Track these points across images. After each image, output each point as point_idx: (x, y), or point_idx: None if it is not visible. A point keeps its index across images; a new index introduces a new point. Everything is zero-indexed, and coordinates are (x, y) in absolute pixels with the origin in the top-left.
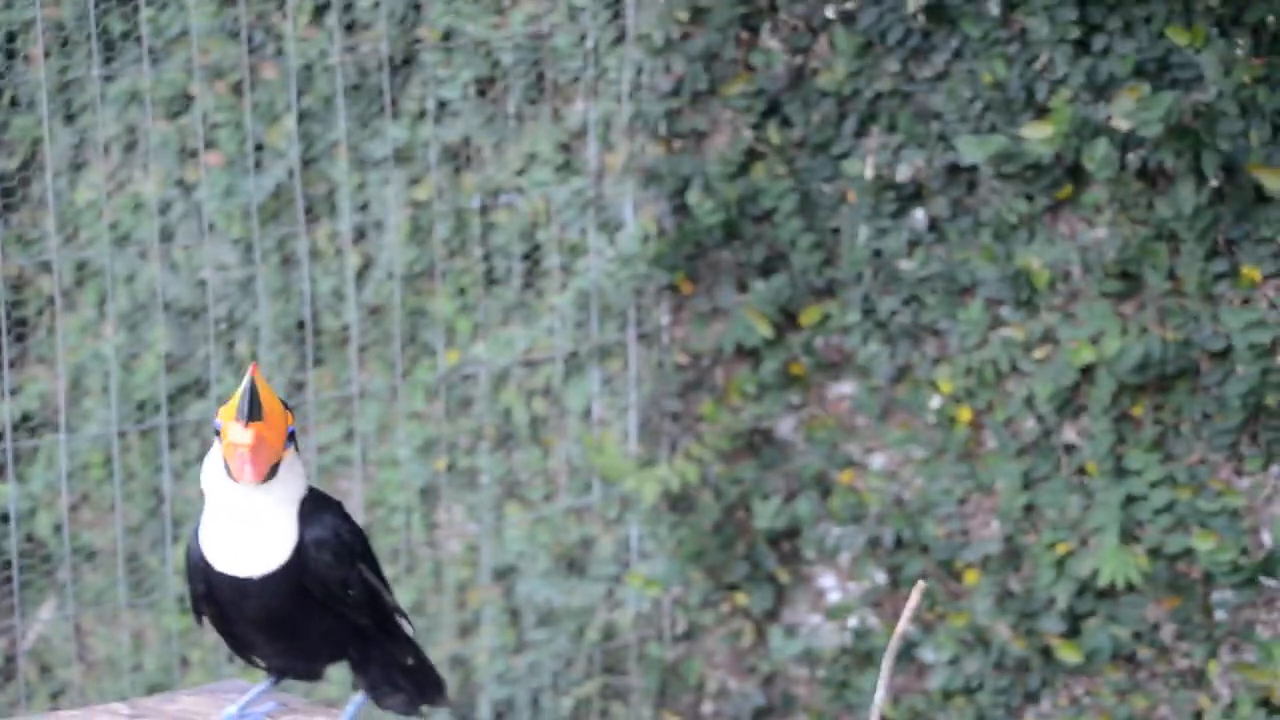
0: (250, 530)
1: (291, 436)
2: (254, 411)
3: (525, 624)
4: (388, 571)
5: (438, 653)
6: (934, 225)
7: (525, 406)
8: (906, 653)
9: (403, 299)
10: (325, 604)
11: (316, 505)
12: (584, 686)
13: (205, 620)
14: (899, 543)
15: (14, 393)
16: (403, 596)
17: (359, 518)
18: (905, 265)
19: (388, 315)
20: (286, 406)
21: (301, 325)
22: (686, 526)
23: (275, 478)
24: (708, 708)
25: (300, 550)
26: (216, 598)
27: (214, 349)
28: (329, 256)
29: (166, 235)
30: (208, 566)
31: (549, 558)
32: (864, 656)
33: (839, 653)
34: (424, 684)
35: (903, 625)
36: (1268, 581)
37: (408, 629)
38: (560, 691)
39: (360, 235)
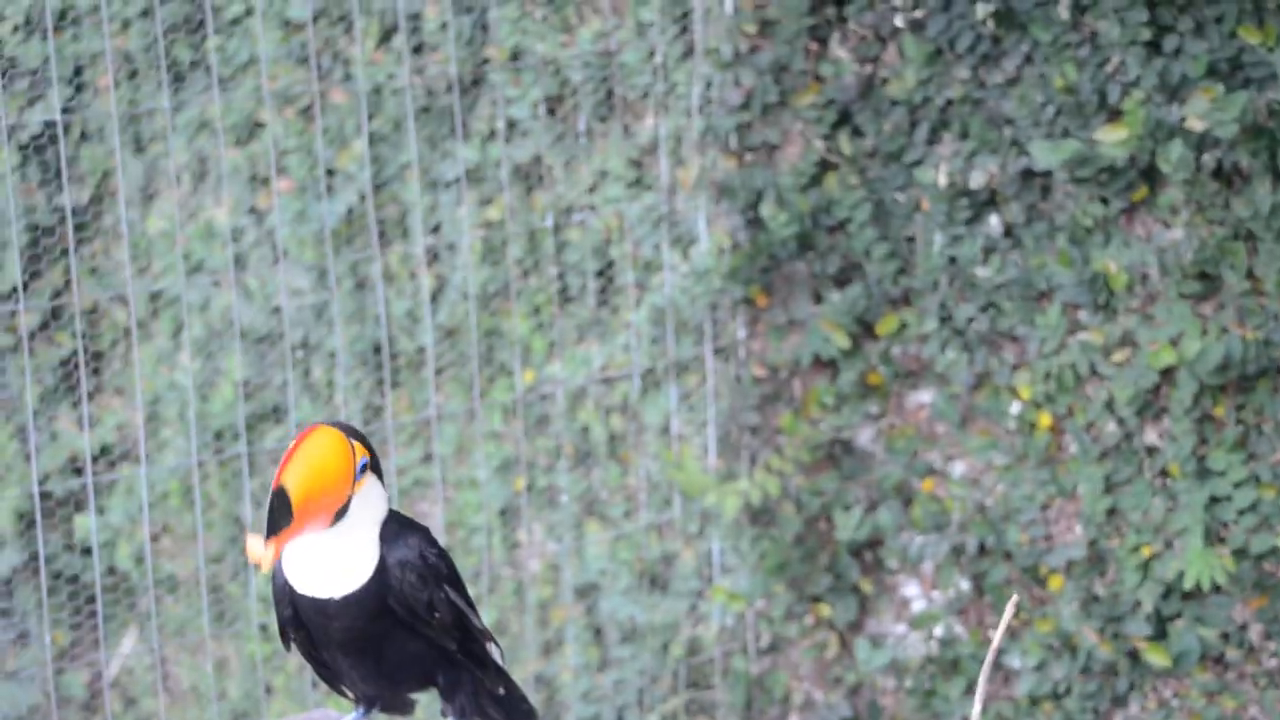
0: (331, 553)
1: (365, 469)
2: (272, 529)
3: (609, 641)
4: (469, 592)
5: (522, 672)
6: (1009, 231)
7: (603, 424)
8: (996, 660)
9: (478, 320)
10: (410, 626)
11: (401, 528)
12: (669, 703)
13: (294, 646)
14: (982, 550)
15: (92, 425)
16: (485, 617)
17: (439, 539)
18: (981, 272)
19: (463, 336)
20: (358, 437)
21: (378, 349)
22: (768, 539)
23: (349, 512)
24: None
25: (382, 571)
26: (303, 622)
27: (291, 375)
28: (403, 279)
29: (240, 263)
30: (292, 590)
31: (631, 574)
32: (950, 665)
33: (925, 662)
34: (514, 713)
35: (996, 643)
36: None
37: (496, 655)
38: (645, 708)
39: (434, 257)
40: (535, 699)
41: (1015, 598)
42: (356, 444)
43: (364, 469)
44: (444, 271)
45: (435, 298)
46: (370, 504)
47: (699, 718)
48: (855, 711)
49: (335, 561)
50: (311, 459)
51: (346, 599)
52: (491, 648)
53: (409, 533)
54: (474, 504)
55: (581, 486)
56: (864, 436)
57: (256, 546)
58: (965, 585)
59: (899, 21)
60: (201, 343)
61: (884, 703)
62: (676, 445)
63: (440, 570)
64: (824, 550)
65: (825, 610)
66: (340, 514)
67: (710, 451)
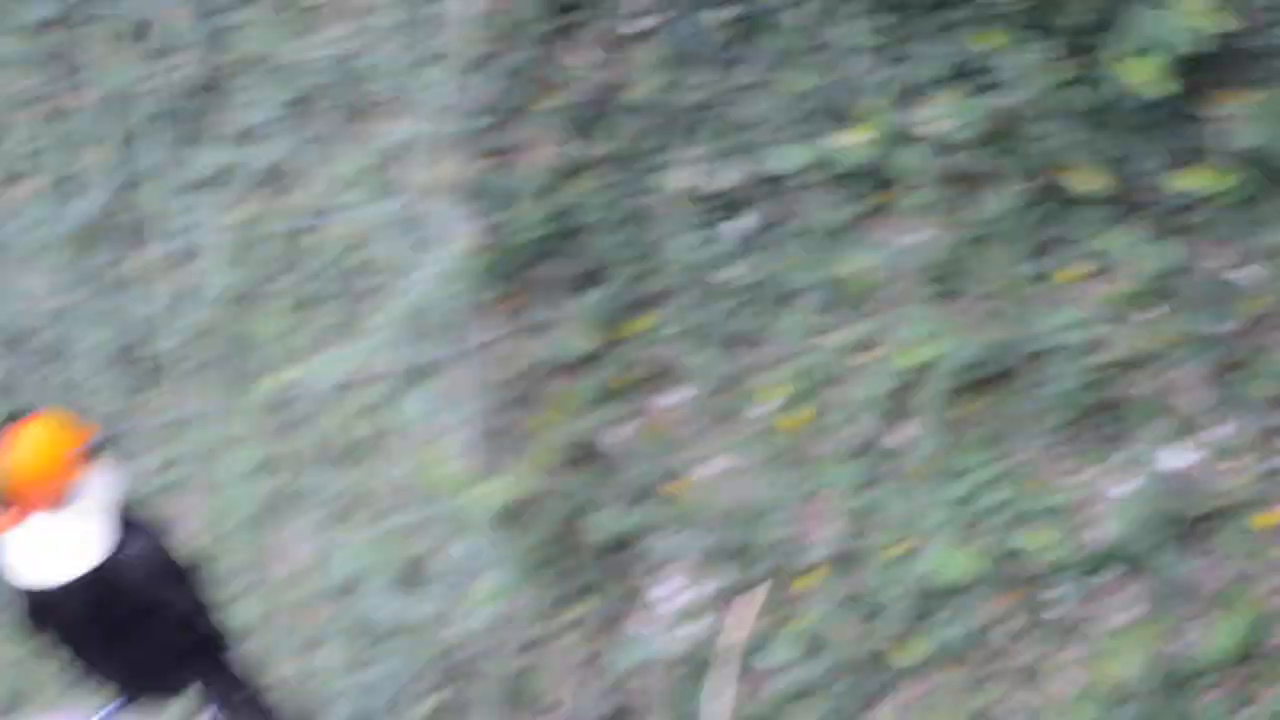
0: (52, 539)
1: (89, 454)
2: None
3: (365, 641)
4: (225, 592)
5: (279, 672)
6: (752, 235)
7: (355, 427)
8: (746, 660)
9: (226, 322)
10: (143, 623)
11: (134, 525)
12: (426, 702)
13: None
14: (735, 550)
15: None
16: (241, 616)
17: (194, 540)
18: (725, 275)
19: (212, 338)
20: (84, 424)
21: (128, 351)
22: (523, 540)
23: (72, 498)
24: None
25: (110, 563)
26: (45, 615)
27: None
28: (149, 282)
29: None
30: (13, 583)
31: (387, 574)
32: (703, 663)
33: (678, 660)
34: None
35: (735, 638)
36: (1099, 577)
37: (234, 659)
38: (402, 708)
39: (181, 260)
40: (292, 698)
41: (755, 591)
42: (80, 431)
43: (88, 454)
44: (191, 275)
45: (183, 300)
46: (94, 493)
47: (455, 717)
48: (610, 709)
49: (56, 547)
50: (27, 443)
51: (67, 587)
52: (230, 654)
53: (142, 529)
54: (228, 504)
55: (336, 486)
56: (614, 438)
57: None
58: (718, 584)
59: (638, 27)
60: None
61: (637, 701)
62: (428, 447)
63: (171, 569)
64: (578, 550)
65: (580, 610)
66: (62, 499)
67: (462, 452)
